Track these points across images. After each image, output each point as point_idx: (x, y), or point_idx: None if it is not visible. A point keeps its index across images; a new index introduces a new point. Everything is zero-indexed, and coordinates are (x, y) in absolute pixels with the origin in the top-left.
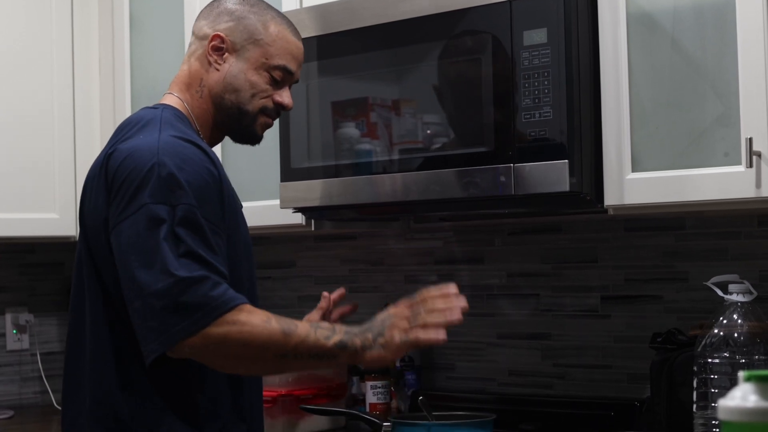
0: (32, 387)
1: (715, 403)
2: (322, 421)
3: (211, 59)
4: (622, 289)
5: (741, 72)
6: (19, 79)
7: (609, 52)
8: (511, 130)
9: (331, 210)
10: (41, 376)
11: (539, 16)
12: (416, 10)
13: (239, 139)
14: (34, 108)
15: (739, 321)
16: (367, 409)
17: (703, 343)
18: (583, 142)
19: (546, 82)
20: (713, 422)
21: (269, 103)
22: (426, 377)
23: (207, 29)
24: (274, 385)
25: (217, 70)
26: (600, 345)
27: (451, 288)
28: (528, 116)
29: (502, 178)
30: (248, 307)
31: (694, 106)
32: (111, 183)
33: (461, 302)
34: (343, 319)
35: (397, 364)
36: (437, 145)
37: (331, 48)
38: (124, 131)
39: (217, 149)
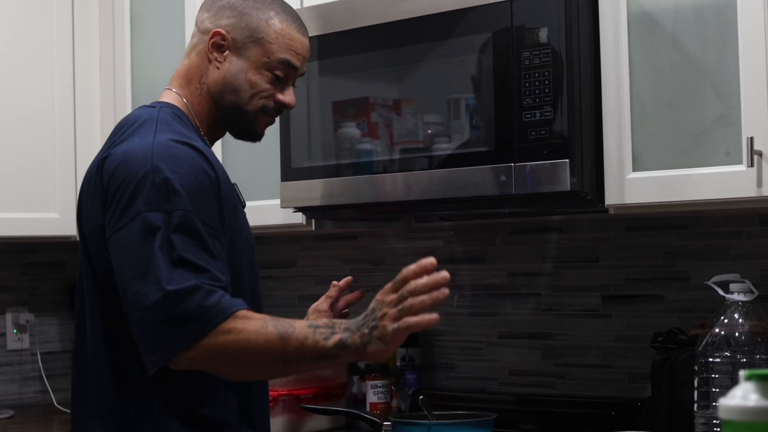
0: (32, 386)
1: (716, 402)
2: (322, 421)
3: (211, 57)
4: (623, 289)
5: (742, 71)
6: (19, 79)
7: (610, 51)
8: (511, 130)
9: (331, 209)
10: (41, 376)
11: (540, 16)
12: (417, 10)
13: (239, 136)
14: (35, 108)
15: (740, 320)
16: (368, 409)
17: (704, 342)
18: (583, 142)
19: (547, 82)
20: (714, 422)
21: (270, 103)
22: (426, 377)
23: (208, 23)
24: (274, 385)
25: (218, 68)
26: (601, 344)
27: (429, 261)
28: (529, 116)
29: (503, 178)
30: (244, 312)
31: (694, 105)
32: (106, 189)
33: (442, 275)
34: (349, 306)
35: (398, 363)
36: (438, 145)
37: (332, 48)
38: (119, 133)
39: (216, 148)
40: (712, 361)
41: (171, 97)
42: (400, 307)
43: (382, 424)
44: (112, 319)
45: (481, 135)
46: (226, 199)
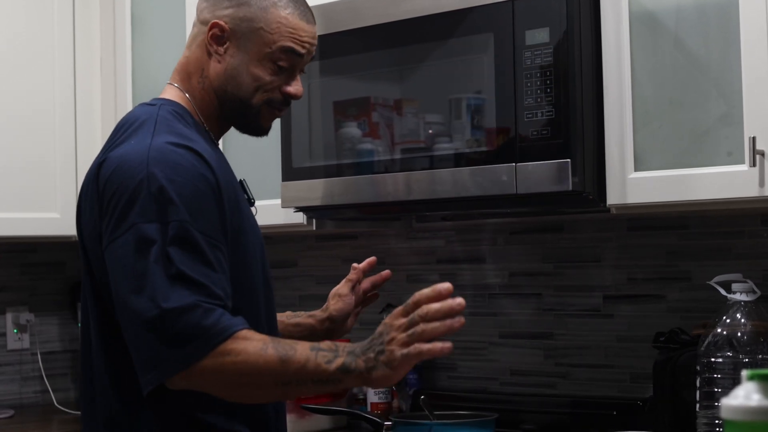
0: (33, 386)
1: (718, 402)
2: (323, 421)
3: (211, 50)
4: (625, 289)
5: (744, 71)
6: (20, 79)
7: (611, 51)
8: (513, 130)
9: (332, 209)
10: (42, 376)
11: (541, 16)
12: (418, 10)
13: (245, 131)
14: (36, 107)
15: (743, 320)
16: (369, 409)
17: (706, 342)
18: (585, 142)
19: (548, 82)
20: (717, 422)
21: (275, 95)
22: (427, 377)
23: (207, 14)
24: None
25: (219, 62)
26: (602, 344)
27: (445, 287)
28: (530, 115)
29: (504, 178)
30: (244, 333)
31: (697, 105)
32: (101, 195)
33: (458, 302)
34: (377, 288)
35: None
36: (439, 145)
37: (334, 47)
38: (118, 134)
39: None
40: (715, 361)
41: (172, 93)
42: (410, 332)
43: (383, 424)
44: (110, 330)
45: (483, 135)
46: (228, 202)
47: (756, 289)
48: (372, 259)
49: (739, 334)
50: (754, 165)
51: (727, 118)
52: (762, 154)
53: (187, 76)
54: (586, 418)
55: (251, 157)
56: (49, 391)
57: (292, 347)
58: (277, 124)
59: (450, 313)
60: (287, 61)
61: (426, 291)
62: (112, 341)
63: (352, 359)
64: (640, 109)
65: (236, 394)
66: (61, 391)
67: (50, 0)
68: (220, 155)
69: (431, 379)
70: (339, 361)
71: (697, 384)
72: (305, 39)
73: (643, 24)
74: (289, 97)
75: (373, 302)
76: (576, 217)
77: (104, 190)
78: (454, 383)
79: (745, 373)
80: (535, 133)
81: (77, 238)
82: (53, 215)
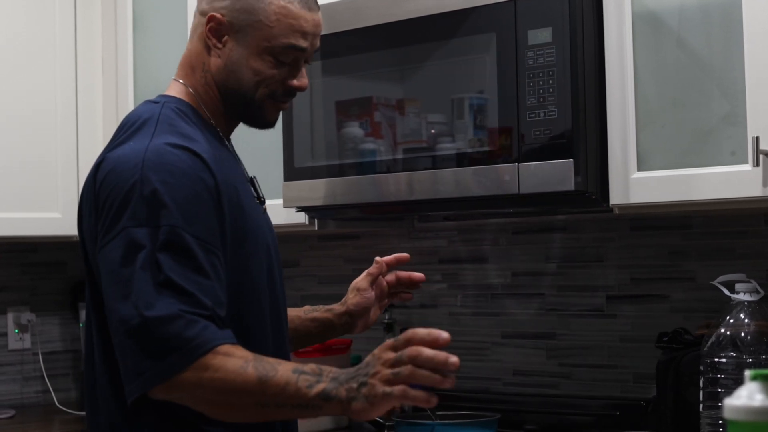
0: (34, 386)
1: (721, 402)
2: (325, 420)
3: (210, 43)
4: (628, 289)
5: (747, 70)
6: (21, 78)
7: (614, 51)
8: (515, 130)
9: (334, 209)
10: (43, 376)
11: (544, 16)
12: (421, 10)
13: (251, 125)
14: (37, 107)
15: (746, 320)
16: None
17: (709, 342)
18: (588, 141)
19: (551, 81)
20: (720, 422)
21: (277, 89)
22: None
23: (205, 5)
24: None
25: (218, 56)
26: (605, 345)
27: (443, 336)
28: (533, 115)
29: (507, 178)
30: (226, 348)
31: (700, 104)
32: (97, 197)
33: (452, 360)
34: (404, 287)
35: None
36: (441, 145)
37: (336, 47)
38: (119, 133)
39: None
40: (718, 362)
41: (177, 89)
42: (396, 370)
43: (385, 424)
44: (108, 336)
45: (485, 135)
46: (229, 204)
47: (759, 289)
48: (402, 255)
49: (742, 334)
50: (757, 165)
51: (730, 117)
52: (765, 154)
53: (190, 70)
54: (589, 419)
55: (253, 156)
56: (50, 391)
57: (274, 368)
58: (279, 123)
59: (441, 366)
60: (288, 56)
61: (421, 331)
62: (109, 349)
63: (335, 386)
64: (642, 109)
65: (216, 412)
66: (63, 391)
67: (52, 0)
68: (226, 154)
69: None
70: (320, 387)
71: (701, 384)
72: (307, 29)
73: (645, 23)
74: (293, 90)
75: (405, 301)
76: (579, 217)
77: (99, 191)
78: (456, 383)
79: (748, 373)
80: (537, 132)
81: (79, 240)
82: (54, 215)
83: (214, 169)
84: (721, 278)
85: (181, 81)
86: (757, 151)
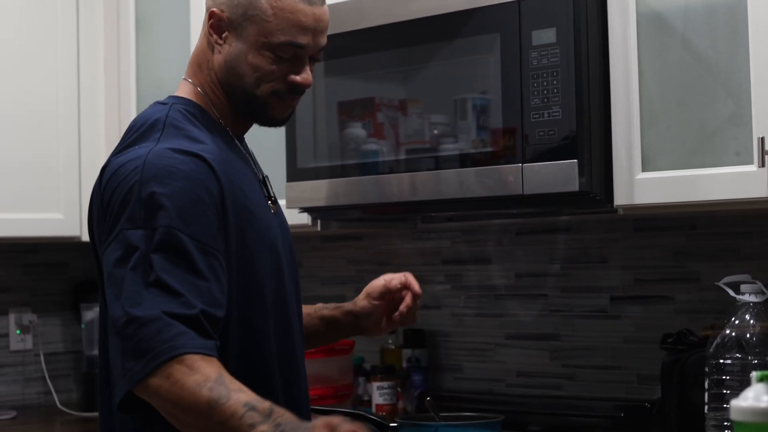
0: (35, 387)
1: (727, 404)
2: None
3: (211, 39)
4: (632, 290)
5: (753, 71)
6: (23, 78)
7: (619, 51)
8: (519, 130)
9: (337, 210)
10: (44, 377)
11: (548, 16)
12: (424, 10)
13: (259, 123)
14: (39, 108)
15: (752, 321)
16: (374, 410)
17: (715, 343)
18: (592, 142)
19: (555, 82)
20: (725, 423)
21: (280, 85)
22: (433, 378)
23: (209, 0)
24: None
25: (220, 52)
26: (610, 346)
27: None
28: (537, 116)
29: (511, 178)
30: (192, 360)
31: (705, 105)
32: (102, 201)
33: None
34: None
35: (404, 364)
36: (444, 145)
37: (339, 48)
38: (127, 135)
39: None
40: (723, 363)
41: (186, 89)
42: None
43: (389, 426)
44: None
45: (488, 135)
46: (235, 208)
47: (765, 290)
48: (417, 291)
49: (748, 335)
50: (762, 165)
51: (735, 118)
52: None
53: (198, 68)
54: (593, 420)
55: (256, 157)
56: (51, 392)
57: (228, 395)
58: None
59: None
60: (288, 53)
61: (348, 425)
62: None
63: None
64: (647, 110)
65: (175, 424)
66: (64, 392)
67: (54, 2)
68: (235, 154)
69: (437, 380)
70: (261, 429)
71: (706, 386)
72: (306, 23)
73: (650, 24)
74: (296, 86)
75: (408, 324)
76: (583, 218)
77: (103, 195)
78: (459, 384)
79: (754, 374)
80: (541, 133)
81: (80, 237)
82: (56, 216)
83: (219, 172)
84: (726, 279)
85: (189, 80)
86: (763, 151)
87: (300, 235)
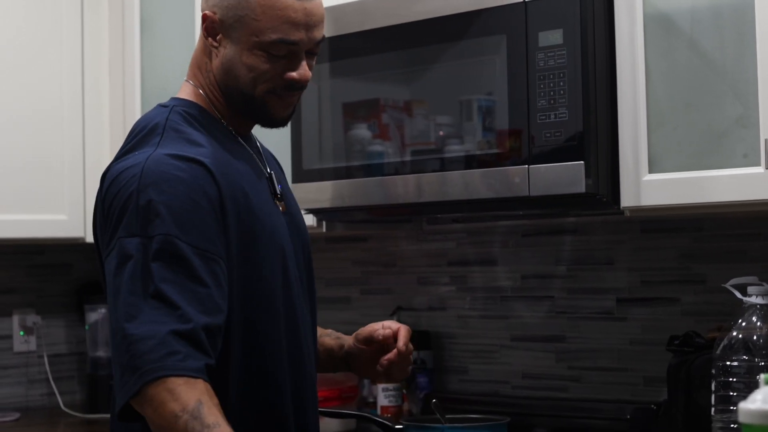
0: (39, 389)
1: (734, 406)
2: (333, 424)
3: (207, 42)
4: (639, 292)
5: (760, 72)
6: (28, 79)
7: (626, 52)
8: (526, 131)
9: (342, 211)
10: (48, 379)
11: (555, 17)
12: (430, 11)
13: (260, 123)
14: (44, 109)
15: (759, 323)
16: (379, 412)
17: (721, 345)
18: (599, 144)
19: (562, 83)
20: (732, 426)
21: (276, 84)
22: (438, 380)
23: (204, 3)
24: None
25: (216, 55)
26: (616, 348)
27: None
28: (543, 117)
29: (517, 180)
30: (174, 384)
31: (712, 106)
32: (102, 209)
33: None
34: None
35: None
36: (450, 147)
37: (344, 49)
38: (128, 139)
39: None
40: (730, 365)
41: (187, 90)
42: None
43: (394, 428)
44: None
45: (494, 136)
46: (236, 212)
47: None
48: (398, 342)
49: (754, 337)
50: None
51: (742, 119)
52: None
53: (198, 71)
54: (599, 422)
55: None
56: (55, 394)
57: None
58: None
59: None
60: (281, 49)
61: None
62: None
63: None
64: (654, 111)
65: None
66: (68, 394)
67: (59, 3)
68: (235, 155)
69: (442, 382)
70: None
71: (713, 388)
72: (297, 19)
73: (657, 25)
74: (293, 83)
75: (396, 381)
76: (589, 219)
77: (104, 203)
78: (465, 386)
79: (762, 377)
80: (548, 135)
81: (85, 238)
82: (60, 217)
83: (217, 175)
84: (733, 281)
85: (191, 82)
86: None
87: None
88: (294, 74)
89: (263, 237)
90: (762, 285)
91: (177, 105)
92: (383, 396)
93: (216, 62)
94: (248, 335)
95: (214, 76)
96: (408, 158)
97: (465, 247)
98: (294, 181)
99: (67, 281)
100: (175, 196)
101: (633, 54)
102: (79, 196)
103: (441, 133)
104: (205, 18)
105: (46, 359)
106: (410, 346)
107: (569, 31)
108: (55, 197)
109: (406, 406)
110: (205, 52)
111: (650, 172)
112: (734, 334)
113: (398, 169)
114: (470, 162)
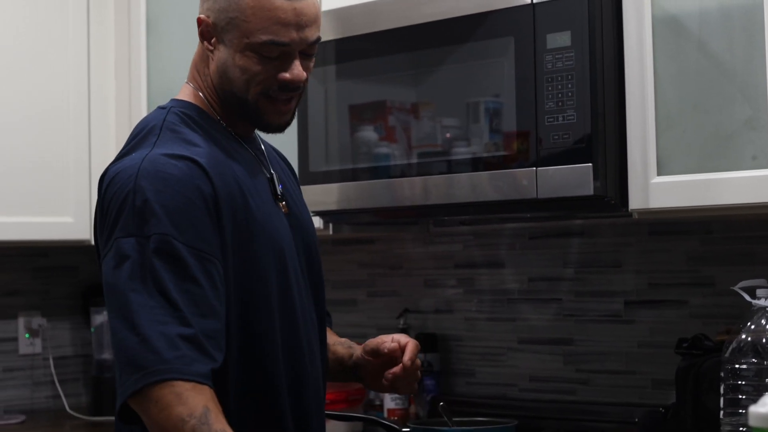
0: (44, 391)
1: (742, 409)
2: (339, 427)
3: (202, 46)
4: (647, 294)
5: None
6: (34, 80)
7: (634, 54)
8: (534, 134)
9: (349, 214)
10: (53, 381)
11: (563, 19)
12: (438, 13)
13: (259, 128)
14: (49, 110)
15: (767, 326)
16: (386, 415)
17: (730, 348)
18: (607, 146)
19: (570, 85)
20: (741, 429)
21: (269, 85)
22: (445, 382)
23: (199, 7)
24: None
25: (211, 59)
26: (623, 350)
27: None
28: (551, 119)
29: (525, 182)
30: (182, 388)
31: (721, 109)
32: (101, 210)
33: None
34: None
35: None
36: (457, 149)
37: (351, 51)
38: (126, 142)
39: None
40: (739, 368)
41: (186, 92)
42: None
43: (401, 431)
44: None
45: (502, 139)
46: (232, 211)
47: None
48: (404, 356)
49: (764, 340)
50: None
51: (751, 122)
52: None
53: (197, 73)
54: (607, 425)
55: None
56: (61, 397)
57: None
58: (293, 127)
59: None
60: (272, 51)
61: None
62: None
63: None
64: (662, 113)
65: None
66: (73, 396)
67: (65, 3)
68: (233, 156)
69: (449, 385)
70: None
71: (721, 391)
72: (286, 19)
73: (666, 27)
74: (286, 84)
75: (404, 393)
76: (596, 222)
77: (102, 204)
78: (472, 389)
79: None
80: (556, 137)
81: (90, 240)
82: (66, 219)
83: (212, 174)
84: (742, 284)
85: (190, 84)
86: None
87: None
88: (286, 75)
89: (260, 237)
90: None
91: (175, 106)
92: (390, 399)
93: (212, 66)
94: (245, 335)
95: (212, 80)
96: (415, 160)
97: (472, 250)
98: (301, 183)
99: (73, 284)
100: (171, 195)
101: (641, 56)
102: (84, 198)
103: (448, 135)
104: (200, 22)
105: (51, 362)
106: (417, 361)
107: (577, 33)
108: (61, 199)
109: (412, 409)
110: (203, 55)
111: (658, 174)
112: (743, 336)
113: (405, 172)
114: (477, 164)
